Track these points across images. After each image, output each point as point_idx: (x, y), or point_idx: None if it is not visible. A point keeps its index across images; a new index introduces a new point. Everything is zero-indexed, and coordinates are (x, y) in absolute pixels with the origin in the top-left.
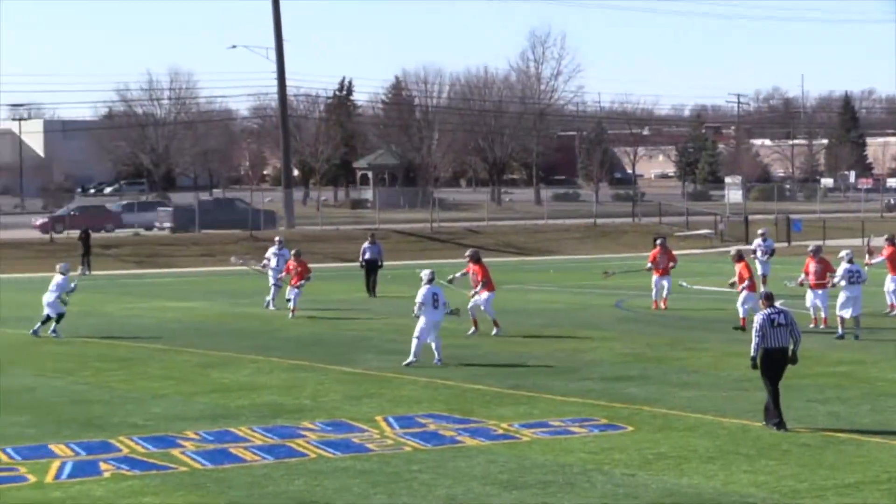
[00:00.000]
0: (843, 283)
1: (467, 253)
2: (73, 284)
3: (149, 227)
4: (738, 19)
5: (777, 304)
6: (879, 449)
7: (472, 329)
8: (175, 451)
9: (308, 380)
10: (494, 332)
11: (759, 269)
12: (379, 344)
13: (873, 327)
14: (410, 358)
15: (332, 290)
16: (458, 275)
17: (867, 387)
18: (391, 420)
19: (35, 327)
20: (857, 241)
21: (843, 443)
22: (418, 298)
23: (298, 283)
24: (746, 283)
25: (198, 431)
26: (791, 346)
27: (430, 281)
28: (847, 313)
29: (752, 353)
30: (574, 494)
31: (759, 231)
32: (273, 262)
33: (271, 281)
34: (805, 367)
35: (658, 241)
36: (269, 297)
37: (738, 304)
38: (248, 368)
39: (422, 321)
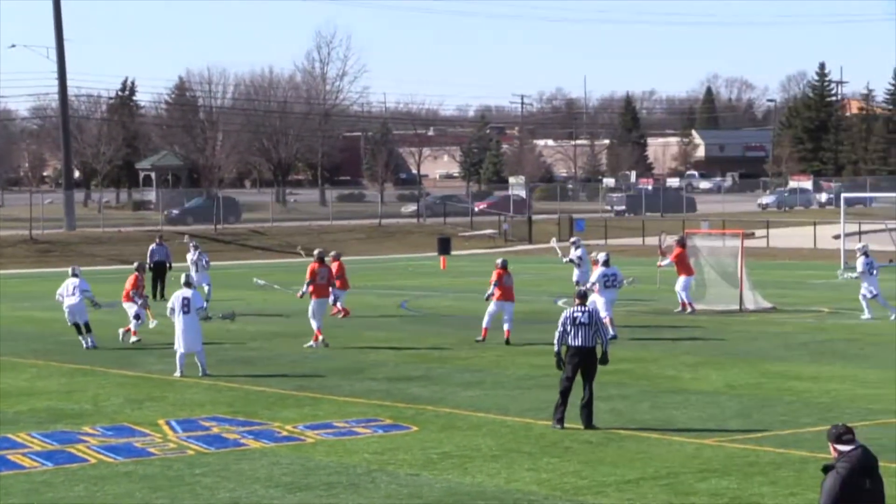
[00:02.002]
0: (596, 286)
1: (315, 251)
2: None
3: None
4: (521, 20)
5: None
6: (659, 445)
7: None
8: None
9: (88, 384)
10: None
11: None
12: (162, 347)
13: (654, 325)
14: (176, 372)
15: (115, 293)
16: None
17: (647, 384)
18: (174, 423)
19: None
20: (637, 241)
21: (624, 439)
22: (169, 303)
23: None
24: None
25: None
26: (596, 345)
27: (187, 284)
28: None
29: (555, 349)
30: (358, 495)
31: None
32: (193, 271)
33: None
34: None
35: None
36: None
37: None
38: (26, 373)
39: (176, 328)
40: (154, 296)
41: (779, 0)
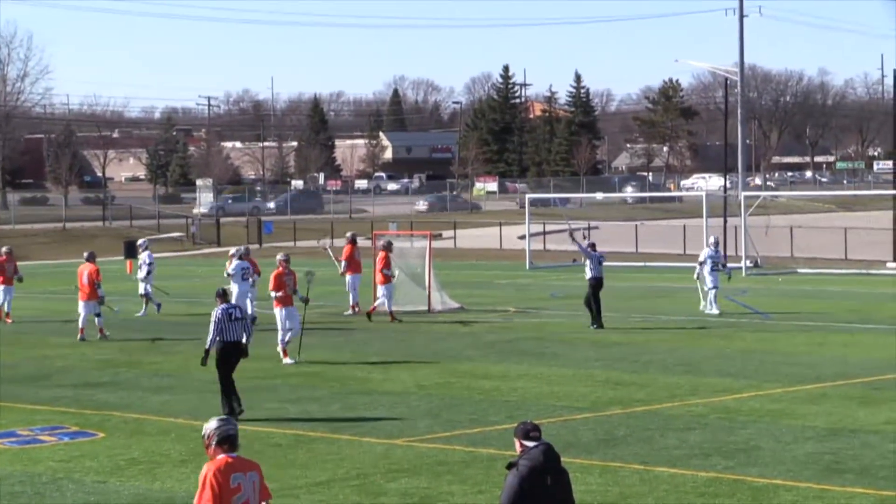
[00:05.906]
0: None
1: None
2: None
3: None
4: (208, 21)
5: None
6: (350, 446)
7: None
8: None
9: None
10: None
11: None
12: None
13: (345, 327)
14: None
15: None
16: None
17: (338, 385)
18: None
19: None
20: (326, 241)
21: (314, 441)
22: None
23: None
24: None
25: None
26: (242, 339)
27: None
28: None
29: (206, 346)
30: None
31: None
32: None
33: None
34: (275, 368)
35: None
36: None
37: None
38: None
39: None
40: None
41: (464, 2)
